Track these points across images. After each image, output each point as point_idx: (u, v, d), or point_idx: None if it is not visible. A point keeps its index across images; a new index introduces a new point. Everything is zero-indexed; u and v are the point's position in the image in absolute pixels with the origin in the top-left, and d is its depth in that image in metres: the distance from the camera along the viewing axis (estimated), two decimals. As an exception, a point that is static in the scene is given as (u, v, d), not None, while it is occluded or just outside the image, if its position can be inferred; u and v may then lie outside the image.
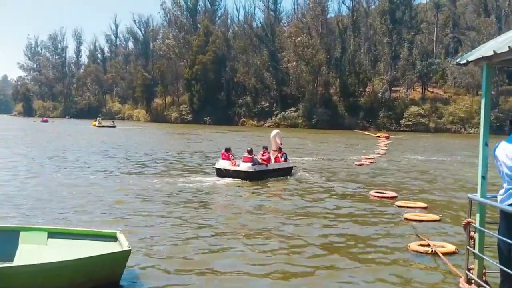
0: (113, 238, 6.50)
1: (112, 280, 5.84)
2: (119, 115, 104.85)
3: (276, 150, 17.36)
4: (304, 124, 72.27)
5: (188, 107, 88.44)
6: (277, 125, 74.58)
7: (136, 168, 18.59)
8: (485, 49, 4.48)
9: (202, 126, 73.57)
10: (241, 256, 7.35)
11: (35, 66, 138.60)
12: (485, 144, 4.58)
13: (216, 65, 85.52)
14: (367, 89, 74.41)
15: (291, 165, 17.63)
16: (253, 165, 15.63)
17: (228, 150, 16.39)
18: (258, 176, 15.61)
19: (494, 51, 4.20)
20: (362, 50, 79.52)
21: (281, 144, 17.85)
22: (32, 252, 5.92)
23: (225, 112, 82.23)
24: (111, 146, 29.36)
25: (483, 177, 4.58)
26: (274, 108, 78.84)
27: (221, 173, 15.82)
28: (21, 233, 6.34)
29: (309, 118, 72.35)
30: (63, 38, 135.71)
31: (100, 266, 5.70)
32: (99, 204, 10.93)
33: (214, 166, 16.54)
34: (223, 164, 16.01)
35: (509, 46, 3.94)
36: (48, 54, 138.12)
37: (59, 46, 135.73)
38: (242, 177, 15.37)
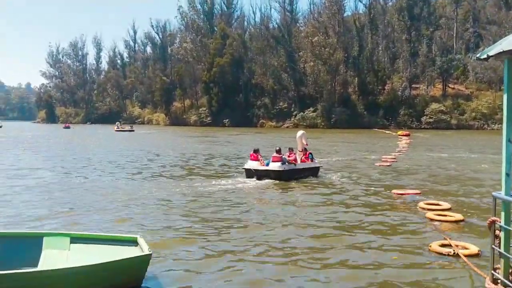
0: (133, 242, 6.55)
1: (134, 284, 5.88)
2: (139, 120, 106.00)
3: (301, 151, 17.35)
4: (323, 124, 71.97)
5: (206, 110, 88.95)
6: (296, 126, 74.50)
7: (163, 171, 18.57)
8: (506, 43, 4.36)
9: (221, 128, 73.86)
10: (268, 261, 7.18)
11: (57, 73, 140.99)
12: (509, 141, 4.47)
13: (234, 67, 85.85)
14: (386, 87, 73.78)
15: (317, 165, 17.62)
16: (282, 164, 15.66)
17: (256, 151, 16.46)
18: (288, 176, 15.63)
19: (515, 45, 4.09)
20: (380, 48, 78.92)
21: (306, 144, 17.82)
22: (56, 257, 5.97)
23: (244, 114, 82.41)
24: (132, 151, 29.55)
25: (507, 175, 4.47)
26: (292, 109, 78.71)
27: (251, 173, 15.86)
28: (45, 239, 6.42)
29: (328, 117, 72.01)
30: (84, 45, 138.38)
31: (122, 270, 5.74)
32: (123, 209, 10.96)
33: (243, 167, 16.62)
34: (252, 164, 16.07)
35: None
36: (69, 61, 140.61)
37: (80, 53, 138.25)
38: (272, 177, 15.39)
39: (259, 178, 15.44)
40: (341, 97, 74.14)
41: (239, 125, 76.81)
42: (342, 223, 9.46)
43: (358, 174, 17.42)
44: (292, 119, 77.05)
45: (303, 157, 16.92)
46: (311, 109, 75.27)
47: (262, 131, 64.16)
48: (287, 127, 75.37)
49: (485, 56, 4.67)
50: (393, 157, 24.06)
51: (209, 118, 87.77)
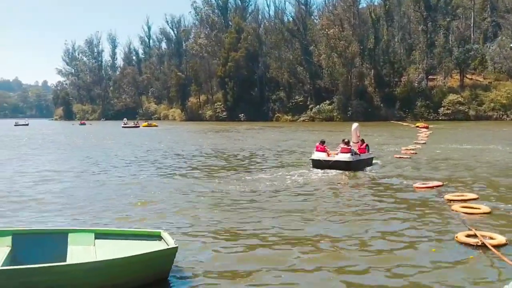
0: (157, 237, 6.65)
1: (160, 278, 5.95)
2: (155, 115, 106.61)
3: (357, 142, 17.61)
4: (339, 117, 71.59)
5: (222, 105, 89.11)
6: (312, 119, 74.31)
7: (190, 167, 18.68)
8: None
9: (237, 123, 73.94)
10: (294, 256, 7.17)
11: (73, 70, 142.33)
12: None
13: (249, 61, 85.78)
14: (402, 79, 72.96)
15: (373, 156, 18.23)
16: (351, 155, 16.08)
17: (323, 142, 17.07)
18: (356, 166, 16.13)
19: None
20: (396, 40, 78.06)
21: (359, 136, 18.16)
22: (81, 252, 6.11)
23: (259, 108, 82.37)
24: (149, 147, 29.79)
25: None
26: (308, 102, 78.43)
27: (319, 164, 16.29)
28: (70, 235, 6.58)
29: (344, 110, 71.63)
30: (99, 42, 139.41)
31: (148, 264, 5.80)
32: (150, 204, 11.09)
33: (310, 158, 17.06)
34: (320, 155, 16.55)
35: None
36: (85, 59, 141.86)
37: (95, 50, 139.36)
38: (341, 167, 15.84)
39: (326, 168, 15.87)
40: (357, 90, 73.62)
41: (254, 119, 76.78)
42: (364, 217, 9.47)
43: (379, 167, 17.41)
44: (308, 112, 76.76)
45: (361, 147, 17.37)
46: (327, 102, 74.92)
47: (278, 125, 64.13)
48: (303, 120, 75.14)
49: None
50: (413, 149, 23.93)
51: (224, 113, 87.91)
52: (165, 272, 6.03)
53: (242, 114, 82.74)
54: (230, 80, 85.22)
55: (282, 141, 31.68)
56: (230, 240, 8.00)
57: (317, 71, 79.43)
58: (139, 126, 65.16)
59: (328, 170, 15.91)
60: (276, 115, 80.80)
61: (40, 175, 16.59)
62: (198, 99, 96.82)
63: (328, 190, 12.69)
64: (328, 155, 16.50)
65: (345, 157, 16.05)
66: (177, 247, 6.01)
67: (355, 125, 18.76)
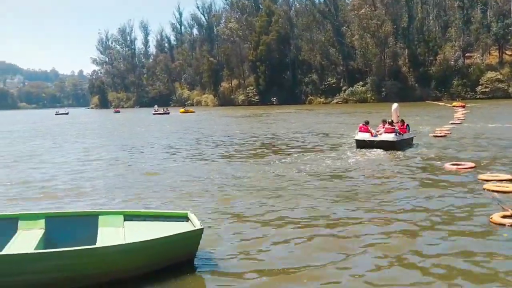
0: (184, 218, 6.70)
1: (187, 259, 6.01)
2: (188, 102, 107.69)
3: (397, 123, 17.83)
4: (373, 98, 70.80)
5: (254, 89, 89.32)
6: (345, 101, 73.69)
7: (235, 150, 18.85)
8: None
9: (269, 107, 73.97)
10: (322, 239, 7.03)
11: (107, 59, 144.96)
12: None
13: (280, 44, 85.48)
14: (438, 58, 71.24)
15: (413, 136, 18.44)
16: (395, 135, 16.36)
17: (367, 123, 17.40)
18: (399, 146, 16.35)
19: None
20: (430, 17, 76.13)
21: (398, 116, 18.43)
22: (111, 234, 6.19)
23: (292, 91, 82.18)
24: (185, 132, 30.25)
25: None
26: (341, 84, 77.75)
27: (363, 144, 16.65)
28: (100, 217, 6.72)
29: (378, 91, 70.72)
30: (131, 30, 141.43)
31: (175, 245, 5.88)
32: (182, 187, 11.23)
33: (354, 138, 17.43)
34: (364, 135, 16.88)
35: None
36: (118, 47, 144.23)
37: (128, 38, 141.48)
38: (386, 147, 16.07)
39: (370, 148, 16.19)
40: (391, 70, 72.42)
41: (287, 103, 76.65)
42: (398, 198, 9.41)
43: (413, 147, 17.32)
44: (341, 94, 76.14)
45: (402, 127, 17.52)
46: (361, 83, 74.11)
47: (312, 107, 63.81)
48: (337, 102, 74.58)
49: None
50: (449, 129, 23.64)
51: (256, 97, 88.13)
52: (191, 254, 6.08)
53: (275, 98, 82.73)
54: (261, 64, 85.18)
55: (318, 124, 31.63)
56: (259, 223, 7.90)
57: (349, 52, 78.49)
58: (169, 113, 65.82)
59: (369, 151, 16.05)
60: (309, 98, 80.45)
61: (77, 160, 17.22)
62: (230, 84, 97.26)
63: (368, 171, 12.65)
64: (372, 135, 16.78)
65: (390, 137, 16.29)
66: (203, 229, 6.04)
67: (395, 105, 18.95)
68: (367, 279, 5.51)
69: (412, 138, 18.14)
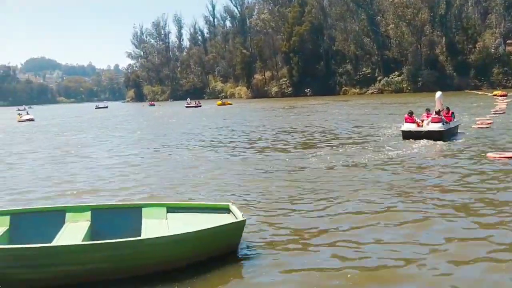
0: (226, 210, 6.75)
1: (230, 250, 6.02)
2: (222, 94, 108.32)
3: (442, 110, 17.64)
4: (409, 88, 69.59)
5: (287, 80, 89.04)
6: (380, 91, 72.66)
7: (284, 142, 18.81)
8: None
9: (303, 98, 73.61)
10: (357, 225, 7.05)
11: (142, 53, 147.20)
12: None
13: (313, 35, 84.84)
14: (477, 45, 69.19)
15: (458, 123, 18.32)
16: (443, 124, 16.26)
17: (411, 113, 17.18)
18: (446, 136, 16.20)
19: None
20: (469, 3, 73.89)
21: (442, 104, 18.20)
22: (155, 226, 6.27)
23: (325, 82, 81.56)
24: (222, 125, 30.32)
25: None
26: (376, 74, 76.65)
27: (410, 135, 16.51)
28: (143, 209, 6.83)
29: (414, 81, 69.42)
30: (165, 24, 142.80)
31: (219, 237, 5.91)
32: (222, 178, 11.29)
33: (400, 129, 17.27)
34: (410, 126, 16.76)
35: None
36: (152, 41, 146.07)
37: (162, 32, 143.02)
38: (433, 137, 15.91)
39: (417, 139, 16.02)
40: (428, 59, 70.87)
41: (321, 94, 76.17)
42: (441, 189, 9.26)
43: (458, 136, 17.03)
44: (376, 84, 75.12)
45: (447, 115, 17.37)
46: (396, 73, 72.88)
47: (346, 98, 63.21)
48: (372, 93, 73.64)
49: None
50: (490, 118, 23.02)
51: (290, 89, 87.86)
52: (234, 245, 6.11)
53: (308, 89, 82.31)
54: (295, 55, 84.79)
55: (357, 115, 31.18)
56: (302, 215, 7.83)
57: (384, 42, 77.25)
58: (200, 106, 66.41)
59: (416, 141, 15.82)
60: (343, 89, 79.71)
61: (118, 153, 17.53)
62: (264, 76, 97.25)
63: (416, 162, 12.42)
64: (418, 125, 16.58)
65: (437, 126, 16.10)
66: (245, 220, 6.07)
67: (438, 93, 18.66)
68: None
69: (457, 127, 17.94)
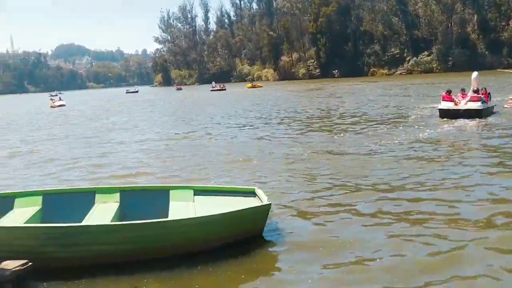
0: (252, 193, 6.76)
1: (255, 234, 6.05)
2: (249, 77, 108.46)
3: (477, 90, 17.61)
4: (439, 68, 68.52)
5: (315, 62, 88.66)
6: (409, 72, 71.76)
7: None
8: None
9: (331, 79, 73.19)
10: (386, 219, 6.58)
11: (169, 37, 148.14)
12: None
13: (341, 15, 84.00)
14: (510, 22, 67.33)
15: (495, 104, 18.35)
16: (481, 103, 16.31)
17: (449, 92, 17.19)
18: (486, 114, 16.29)
19: None
20: (502, -21, 71.74)
21: (478, 85, 18.08)
22: (182, 208, 6.35)
23: (353, 63, 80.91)
24: (251, 108, 30.52)
25: None
26: (405, 54, 75.62)
27: (448, 113, 16.51)
28: (171, 192, 6.91)
29: (445, 61, 68.24)
30: (192, 7, 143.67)
31: (244, 219, 5.94)
32: (249, 162, 11.17)
33: (437, 108, 17.29)
34: (448, 105, 16.75)
35: None
36: (179, 25, 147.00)
37: (189, 16, 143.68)
38: (472, 116, 15.96)
39: (455, 118, 16.03)
40: (459, 38, 69.46)
41: (349, 75, 75.60)
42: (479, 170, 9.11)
43: (495, 116, 16.88)
44: (405, 65, 74.17)
45: (484, 96, 17.31)
46: (426, 53, 71.78)
47: (375, 79, 62.54)
48: (400, 74, 72.80)
49: None
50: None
51: (317, 70, 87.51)
52: (260, 229, 6.11)
53: (336, 71, 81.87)
54: (322, 36, 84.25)
55: (390, 96, 30.61)
56: (330, 199, 7.66)
57: (413, 21, 75.93)
58: (225, 89, 66.56)
59: (453, 121, 15.77)
60: (371, 70, 78.98)
61: (149, 137, 17.82)
62: (291, 58, 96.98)
63: (456, 142, 12.34)
64: (456, 104, 16.55)
65: (476, 105, 16.09)
66: (270, 204, 6.05)
67: (475, 74, 18.33)
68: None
69: (493, 107, 17.84)
